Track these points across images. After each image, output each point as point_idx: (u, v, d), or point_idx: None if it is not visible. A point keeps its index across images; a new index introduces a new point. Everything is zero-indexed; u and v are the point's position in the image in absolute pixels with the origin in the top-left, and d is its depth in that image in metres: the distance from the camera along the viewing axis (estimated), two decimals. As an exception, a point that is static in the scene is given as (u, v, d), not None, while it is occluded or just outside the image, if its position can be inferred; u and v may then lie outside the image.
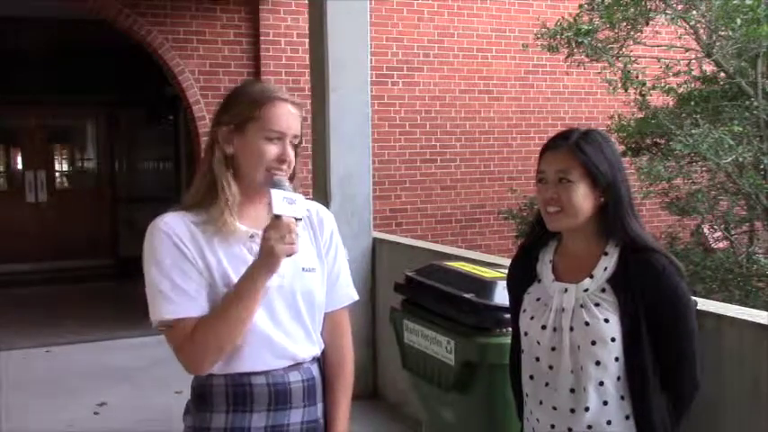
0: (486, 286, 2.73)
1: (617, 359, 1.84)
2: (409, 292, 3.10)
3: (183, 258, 1.70)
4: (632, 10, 5.97)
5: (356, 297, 1.96)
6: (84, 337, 6.75)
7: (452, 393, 2.78)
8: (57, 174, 10.97)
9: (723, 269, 5.70)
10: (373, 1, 6.45)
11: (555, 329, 1.91)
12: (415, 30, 7.76)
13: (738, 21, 5.46)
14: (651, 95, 6.09)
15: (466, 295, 2.70)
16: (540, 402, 1.95)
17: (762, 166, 5.71)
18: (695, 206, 5.92)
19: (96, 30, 7.75)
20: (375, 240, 5.04)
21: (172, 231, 1.71)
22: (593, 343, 1.84)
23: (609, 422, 1.86)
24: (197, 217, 1.74)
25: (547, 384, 1.93)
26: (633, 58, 5.98)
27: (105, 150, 10.89)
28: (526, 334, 1.99)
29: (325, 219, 1.93)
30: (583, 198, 1.86)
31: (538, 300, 1.97)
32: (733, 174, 5.64)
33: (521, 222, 6.97)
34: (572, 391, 1.88)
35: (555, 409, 1.92)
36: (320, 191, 4.99)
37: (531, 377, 1.98)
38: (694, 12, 5.95)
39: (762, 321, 2.31)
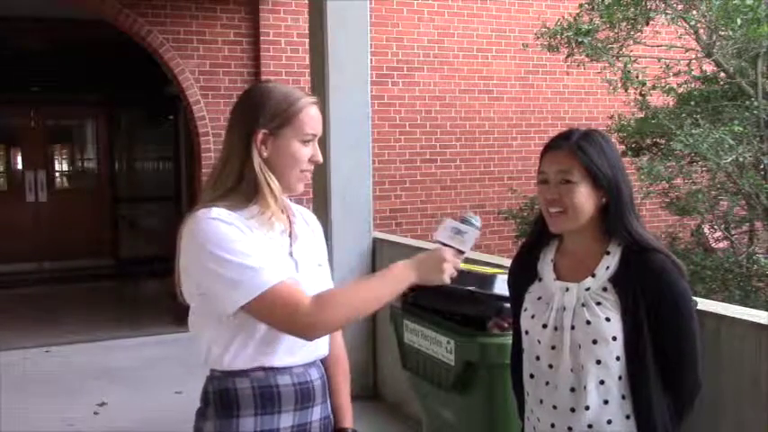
0: (486, 279, 2.74)
1: (618, 358, 1.85)
2: (408, 289, 3.11)
3: (248, 236, 1.70)
4: (632, 10, 5.97)
5: None
6: (84, 337, 6.75)
7: (452, 393, 2.78)
8: (57, 174, 10.98)
9: (723, 269, 5.70)
10: (373, 1, 6.45)
11: (556, 328, 1.91)
12: (415, 30, 7.76)
13: (738, 21, 5.46)
14: (651, 95, 6.09)
15: (466, 287, 2.71)
16: (541, 401, 1.96)
17: (762, 166, 5.71)
18: (695, 206, 5.91)
19: (96, 29, 7.75)
20: (375, 240, 5.04)
21: (225, 218, 1.70)
22: (595, 342, 1.85)
23: (609, 421, 1.86)
24: (238, 213, 1.74)
25: (547, 383, 1.94)
26: (633, 58, 5.98)
27: (105, 150, 10.89)
28: (527, 333, 2.00)
29: (314, 220, 2.01)
30: (585, 198, 1.87)
31: (539, 299, 1.98)
32: (733, 174, 5.64)
33: (521, 222, 6.97)
34: (572, 390, 1.89)
35: (555, 408, 1.92)
36: (320, 191, 4.99)
37: (532, 376, 1.99)
38: (694, 12, 5.95)
39: (762, 321, 2.31)
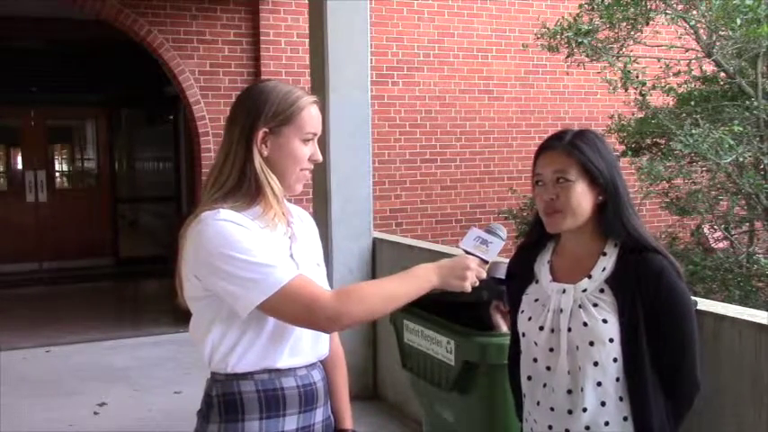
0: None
1: (615, 360, 1.84)
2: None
3: (257, 235, 1.70)
4: (632, 10, 5.96)
5: None
6: (84, 337, 6.76)
7: (452, 393, 2.78)
8: (57, 174, 10.97)
9: (723, 269, 5.69)
10: (373, 1, 6.45)
11: (552, 330, 1.90)
12: (415, 30, 7.76)
13: (738, 21, 5.45)
14: (651, 95, 6.09)
15: None
16: (538, 403, 1.95)
17: (762, 166, 5.71)
18: (695, 206, 5.91)
19: (96, 29, 7.75)
20: (375, 240, 5.04)
21: (233, 219, 1.69)
22: (592, 344, 1.84)
23: (607, 423, 1.86)
24: (243, 213, 1.73)
25: (544, 385, 1.93)
26: (633, 58, 5.98)
27: (105, 150, 10.89)
28: (524, 335, 1.99)
29: (311, 220, 2.00)
30: (582, 197, 1.86)
31: (536, 300, 1.97)
32: (733, 174, 5.64)
33: (521, 222, 6.97)
34: (569, 391, 1.88)
35: (552, 410, 1.91)
36: (320, 191, 4.99)
37: (529, 378, 1.98)
38: (694, 12, 5.94)
39: (762, 321, 2.31)
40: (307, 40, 5.61)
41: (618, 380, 1.85)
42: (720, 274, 5.66)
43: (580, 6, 6.19)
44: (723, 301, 4.52)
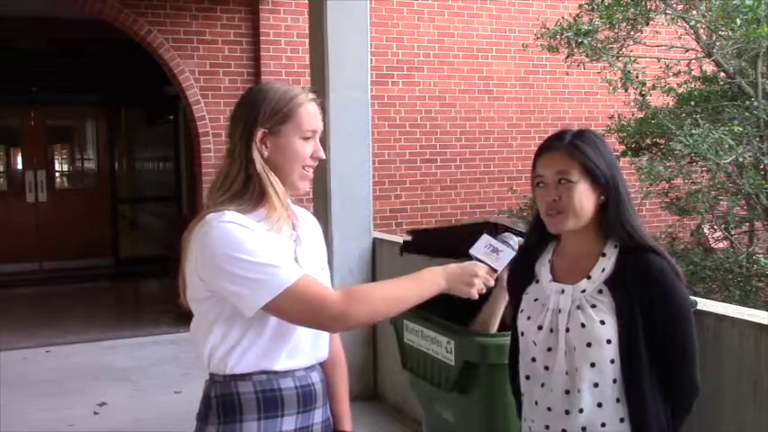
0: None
1: (612, 361, 1.83)
2: (415, 242, 3.23)
3: (263, 237, 1.70)
4: (632, 10, 5.96)
5: None
6: (84, 337, 6.76)
7: (452, 393, 2.78)
8: (57, 174, 10.98)
9: (723, 269, 5.69)
10: (373, 1, 6.45)
11: (551, 330, 1.90)
12: (415, 30, 7.76)
13: (738, 21, 5.45)
14: (651, 95, 6.08)
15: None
16: (536, 403, 1.95)
17: (762, 166, 5.70)
18: (695, 206, 5.91)
19: (96, 29, 7.75)
20: (375, 240, 5.04)
21: (238, 221, 1.70)
22: (589, 345, 1.83)
23: (603, 424, 1.85)
24: (248, 216, 1.74)
25: (542, 385, 1.93)
26: (633, 58, 5.98)
27: (105, 150, 10.89)
28: (523, 334, 1.99)
29: (315, 222, 2.00)
30: (584, 197, 1.85)
31: (535, 300, 1.97)
32: (733, 174, 5.63)
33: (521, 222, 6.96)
34: (567, 392, 1.88)
35: (550, 409, 1.91)
36: (320, 191, 4.99)
37: (528, 377, 1.98)
38: (694, 12, 5.94)
39: (762, 321, 2.31)
40: (307, 40, 5.61)
41: (615, 381, 1.84)
42: (720, 274, 5.66)
43: (580, 6, 6.19)
44: (723, 301, 4.51)
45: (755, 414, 2.27)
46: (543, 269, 1.99)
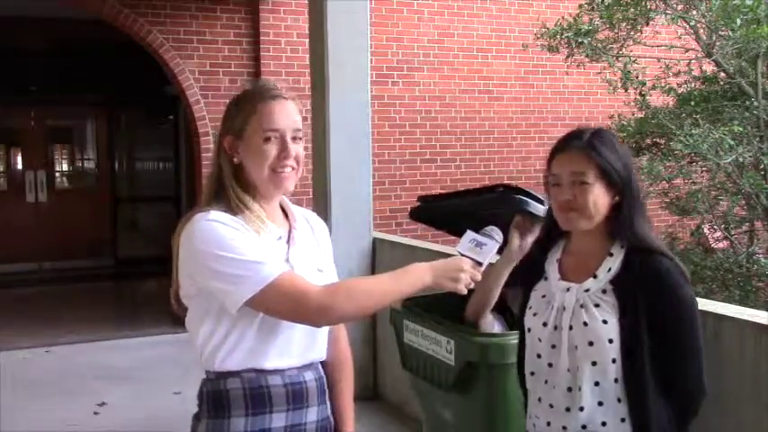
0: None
1: (614, 361, 1.84)
2: (425, 209, 3.26)
3: (247, 235, 1.72)
4: (632, 10, 5.97)
5: None
6: (84, 337, 6.75)
7: (452, 393, 2.78)
8: (57, 174, 10.97)
9: (723, 269, 5.69)
10: (373, 1, 6.45)
11: (556, 327, 1.91)
12: (415, 30, 7.76)
13: (738, 21, 5.46)
14: (651, 95, 6.09)
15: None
16: (539, 399, 1.96)
17: (762, 166, 5.70)
18: (695, 206, 5.91)
19: (96, 29, 7.75)
20: (375, 240, 5.04)
21: (222, 220, 1.72)
22: (591, 343, 1.84)
23: (604, 423, 1.85)
24: (231, 215, 1.76)
25: (546, 381, 1.94)
26: (633, 58, 5.98)
27: (105, 150, 10.89)
28: (529, 330, 2.00)
29: (321, 224, 2.00)
30: (599, 198, 1.85)
31: (543, 297, 1.98)
32: (733, 174, 5.63)
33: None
34: (569, 389, 1.88)
35: (552, 406, 1.92)
36: (320, 191, 4.99)
37: (533, 373, 1.99)
38: (694, 12, 5.95)
39: (762, 321, 2.31)
40: (307, 40, 5.61)
41: (617, 381, 1.84)
42: (720, 274, 5.66)
43: (580, 6, 6.19)
44: (723, 301, 4.51)
45: (755, 414, 2.27)
46: (552, 267, 2.00)
